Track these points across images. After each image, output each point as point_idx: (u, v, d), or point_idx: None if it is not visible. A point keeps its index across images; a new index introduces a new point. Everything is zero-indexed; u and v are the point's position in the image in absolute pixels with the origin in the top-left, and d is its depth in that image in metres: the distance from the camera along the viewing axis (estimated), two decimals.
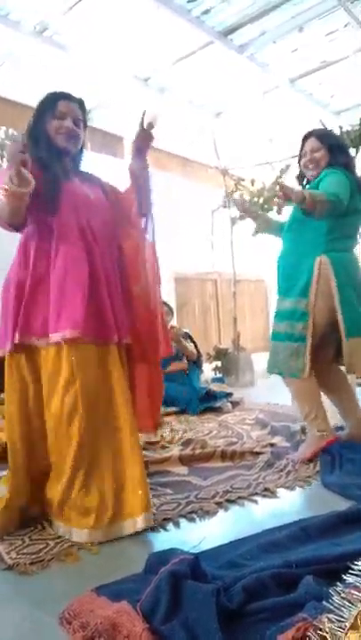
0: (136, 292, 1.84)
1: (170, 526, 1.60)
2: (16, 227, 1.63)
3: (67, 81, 4.61)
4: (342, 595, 0.75)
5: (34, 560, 1.38)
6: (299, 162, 2.38)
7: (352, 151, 4.79)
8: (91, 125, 1.84)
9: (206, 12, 4.36)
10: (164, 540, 1.50)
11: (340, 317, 2.14)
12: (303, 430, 2.54)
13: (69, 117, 1.74)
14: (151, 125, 1.81)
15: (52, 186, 1.64)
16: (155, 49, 4.77)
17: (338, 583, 0.85)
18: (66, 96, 1.76)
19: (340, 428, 2.50)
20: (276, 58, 5.12)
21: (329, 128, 4.91)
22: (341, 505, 1.67)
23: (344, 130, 4.78)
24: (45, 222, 1.65)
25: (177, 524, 1.61)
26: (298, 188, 2.11)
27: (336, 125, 4.96)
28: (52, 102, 1.75)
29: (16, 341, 1.59)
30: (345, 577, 0.86)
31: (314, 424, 2.23)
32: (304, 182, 2.38)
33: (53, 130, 1.73)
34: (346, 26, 4.69)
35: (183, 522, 1.63)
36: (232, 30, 4.65)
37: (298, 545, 1.37)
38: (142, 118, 1.82)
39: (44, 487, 1.66)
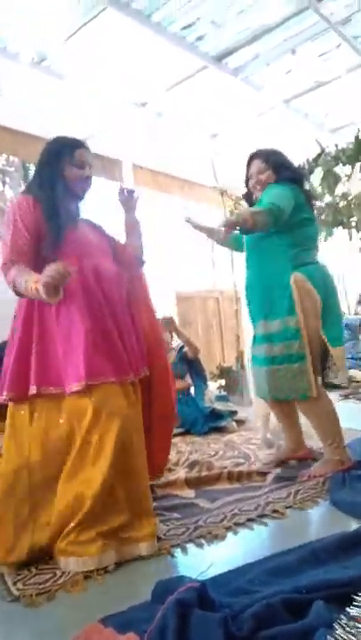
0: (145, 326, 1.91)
1: (177, 552, 1.57)
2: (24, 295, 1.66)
3: (66, 108, 4.70)
4: (347, 628, 0.73)
5: (40, 591, 1.36)
6: (246, 183, 2.41)
7: (348, 168, 4.86)
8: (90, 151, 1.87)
9: (200, 37, 4.47)
10: (171, 567, 1.48)
11: (324, 329, 2.14)
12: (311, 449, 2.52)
13: (87, 166, 1.80)
14: (127, 196, 1.97)
15: (58, 233, 1.68)
16: (151, 75, 4.88)
17: (342, 616, 0.83)
18: (82, 144, 1.82)
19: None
20: (271, 79, 5.22)
21: (325, 146, 5.00)
22: (351, 525, 1.64)
23: (340, 147, 4.85)
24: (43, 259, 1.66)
25: (185, 550, 1.58)
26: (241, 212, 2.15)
27: (332, 143, 5.04)
28: (71, 149, 1.79)
29: (33, 392, 1.60)
30: (348, 609, 0.84)
31: (336, 452, 2.18)
32: (254, 200, 2.41)
33: (72, 177, 1.78)
34: (338, 47, 4.78)
35: (191, 547, 1.60)
36: (226, 54, 4.75)
37: (307, 568, 1.35)
38: (121, 192, 1.98)
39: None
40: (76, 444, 1.59)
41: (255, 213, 2.02)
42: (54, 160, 1.78)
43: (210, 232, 2.52)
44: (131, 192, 1.99)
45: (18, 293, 1.64)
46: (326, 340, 2.14)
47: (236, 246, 2.56)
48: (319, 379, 2.19)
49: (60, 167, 1.77)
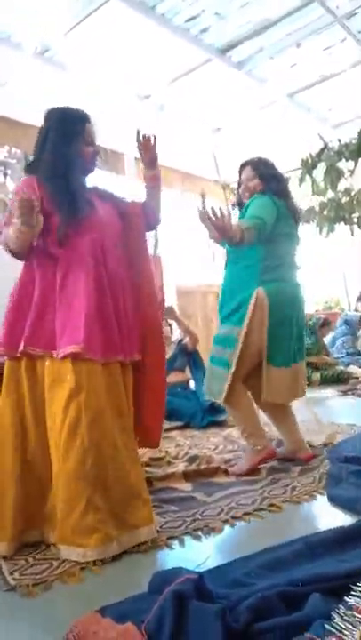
0: (149, 310, 1.88)
1: (175, 544, 1.58)
2: (23, 254, 1.68)
3: (68, 100, 4.68)
4: (344, 617, 0.74)
5: (37, 581, 1.36)
6: (238, 189, 2.50)
7: (350, 163, 4.85)
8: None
9: (204, 30, 4.44)
10: (168, 559, 1.49)
11: (265, 350, 2.24)
12: (310, 443, 2.53)
13: (94, 142, 1.78)
14: (146, 138, 1.91)
15: (76, 212, 1.66)
16: (154, 67, 4.85)
17: (340, 605, 0.84)
18: (89, 118, 1.78)
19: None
20: (275, 73, 5.18)
21: (328, 140, 4.98)
22: (348, 519, 1.66)
23: (343, 142, 4.83)
24: (58, 240, 1.66)
25: (182, 542, 1.59)
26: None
27: (335, 138, 5.02)
28: (82, 125, 1.75)
29: (20, 349, 1.60)
30: (347, 598, 0.85)
31: (250, 440, 2.31)
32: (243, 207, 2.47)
33: (87, 155, 1.75)
34: (343, 41, 4.75)
35: (188, 539, 1.61)
36: (230, 47, 4.72)
37: (304, 562, 1.36)
38: (137, 135, 1.91)
39: (41, 509, 1.60)
40: (55, 412, 1.57)
41: (245, 229, 2.09)
42: (68, 138, 1.71)
43: (212, 229, 2.56)
44: (148, 141, 1.91)
45: (10, 251, 1.66)
46: (265, 360, 2.24)
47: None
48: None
49: (74, 147, 1.72)
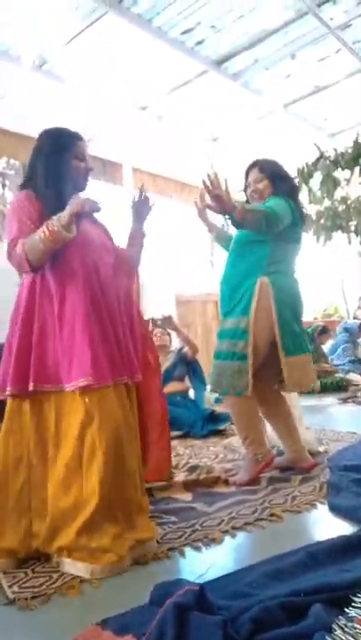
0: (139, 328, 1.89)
1: (175, 555, 1.56)
2: (38, 268, 1.64)
3: (66, 111, 4.72)
4: (345, 629, 0.73)
5: (35, 594, 1.35)
6: (245, 192, 2.47)
7: (347, 172, 4.88)
8: (90, 153, 1.86)
9: (200, 42, 4.49)
10: (169, 570, 1.47)
11: (278, 336, 2.19)
12: (310, 452, 2.52)
13: (86, 159, 1.80)
14: (143, 202, 1.99)
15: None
16: (151, 78, 4.90)
17: (340, 617, 0.83)
18: (81, 137, 1.80)
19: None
20: (270, 84, 5.24)
21: (324, 150, 5.02)
22: (349, 528, 1.64)
23: (339, 152, 4.87)
24: (53, 264, 1.65)
25: (182, 553, 1.58)
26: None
27: (331, 148, 5.07)
28: (72, 142, 1.77)
29: (30, 389, 1.57)
30: (347, 610, 0.84)
31: (251, 448, 2.27)
32: None
33: (76, 171, 1.76)
34: (337, 52, 4.81)
35: (188, 551, 1.60)
36: (226, 59, 4.77)
37: (306, 572, 1.34)
38: (139, 192, 2.00)
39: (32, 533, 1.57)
40: (66, 444, 1.57)
41: (249, 211, 2.07)
42: (59, 152, 1.73)
43: (210, 226, 2.63)
44: (147, 199, 1.99)
45: (30, 264, 1.61)
46: (280, 349, 2.21)
47: (227, 247, 2.61)
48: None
49: (65, 160, 1.74)
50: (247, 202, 2.48)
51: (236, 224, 2.10)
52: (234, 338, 2.22)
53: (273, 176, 2.35)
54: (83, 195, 1.61)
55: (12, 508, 1.55)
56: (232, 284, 2.32)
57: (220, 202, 1.99)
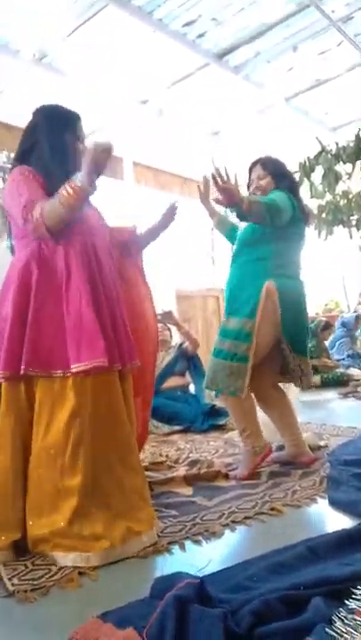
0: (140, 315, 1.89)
1: (175, 549, 1.57)
2: (58, 232, 1.59)
3: (67, 105, 4.69)
4: (345, 621, 0.73)
5: (35, 586, 1.35)
6: (248, 189, 2.49)
7: (348, 166, 4.86)
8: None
9: (201, 35, 4.46)
10: (169, 564, 1.48)
11: (284, 338, 2.25)
12: (311, 447, 2.52)
13: (84, 140, 1.77)
14: (172, 211, 2.13)
15: None
16: (152, 72, 4.86)
17: (340, 609, 0.83)
18: (80, 117, 1.77)
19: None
20: (272, 77, 5.21)
21: (325, 144, 5.00)
22: (349, 522, 1.65)
23: (340, 145, 4.85)
24: (51, 244, 1.62)
25: (182, 547, 1.58)
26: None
27: (332, 141, 5.04)
28: (75, 122, 1.75)
29: (22, 372, 1.53)
30: (347, 602, 0.84)
31: (249, 440, 2.30)
32: None
33: (76, 150, 1.72)
34: (339, 45, 4.78)
35: (189, 544, 1.60)
36: (227, 52, 4.74)
37: (306, 565, 1.35)
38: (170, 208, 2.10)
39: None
40: (50, 428, 1.54)
41: (253, 202, 2.10)
42: (62, 131, 1.70)
43: (212, 212, 2.64)
44: (175, 209, 2.11)
45: (47, 229, 1.56)
46: (292, 350, 2.28)
47: (228, 235, 2.67)
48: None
49: (68, 139, 1.71)
50: None
51: (242, 215, 2.14)
52: (237, 339, 2.23)
53: (275, 173, 2.39)
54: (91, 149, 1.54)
55: (14, 497, 1.55)
56: (237, 284, 2.34)
57: (229, 194, 2.03)
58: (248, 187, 2.49)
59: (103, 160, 1.55)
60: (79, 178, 1.54)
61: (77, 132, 1.75)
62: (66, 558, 1.48)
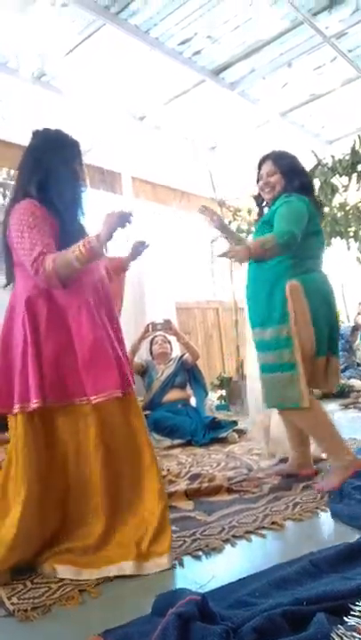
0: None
1: (175, 565, 1.55)
2: (67, 284, 1.59)
3: (65, 122, 4.75)
4: (344, 638, 0.72)
5: (35, 605, 1.34)
6: (257, 183, 2.39)
7: (344, 179, 4.90)
8: (89, 163, 1.86)
9: (197, 52, 4.53)
10: (168, 580, 1.46)
11: (314, 338, 2.12)
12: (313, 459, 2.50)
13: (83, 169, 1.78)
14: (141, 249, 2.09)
15: (77, 238, 1.60)
16: (149, 89, 4.93)
17: (339, 626, 0.82)
18: (79, 144, 1.78)
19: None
20: (267, 93, 5.27)
21: (321, 157, 5.04)
22: (351, 536, 1.63)
23: (336, 159, 4.90)
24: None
25: (182, 563, 1.56)
26: (239, 246, 2.16)
27: (328, 155, 5.09)
28: (78, 151, 1.75)
29: (38, 405, 1.52)
30: (347, 619, 0.83)
31: (338, 457, 2.15)
32: (263, 204, 2.45)
33: (81, 178, 1.73)
34: (333, 60, 4.85)
35: (189, 560, 1.58)
36: (223, 69, 4.81)
37: (309, 580, 1.34)
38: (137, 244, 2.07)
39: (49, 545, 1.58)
40: (79, 456, 1.60)
41: (268, 249, 2.04)
42: (69, 162, 1.69)
43: (230, 234, 2.62)
44: (143, 243, 2.07)
45: (60, 281, 1.55)
46: (314, 352, 2.14)
47: None
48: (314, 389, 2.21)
49: (75, 171, 1.71)
50: (258, 196, 2.43)
51: (259, 259, 2.12)
52: (278, 348, 2.13)
53: (286, 170, 2.27)
54: (115, 210, 1.58)
55: (34, 529, 1.54)
56: (260, 290, 2.24)
57: (240, 258, 2.07)
58: (257, 181, 2.38)
59: (121, 225, 1.58)
60: (96, 239, 1.55)
61: (80, 160, 1.75)
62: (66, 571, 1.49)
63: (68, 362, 1.59)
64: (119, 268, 2.09)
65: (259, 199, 2.45)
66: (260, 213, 2.51)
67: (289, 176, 2.26)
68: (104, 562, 1.50)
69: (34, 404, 1.52)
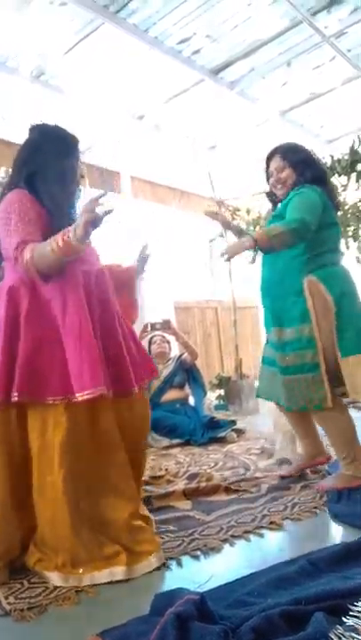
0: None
1: (173, 565, 1.55)
2: (46, 276, 1.56)
3: (64, 121, 4.74)
4: (342, 638, 0.72)
5: (32, 605, 1.33)
6: (267, 180, 2.29)
7: (343, 179, 4.90)
8: (88, 162, 1.84)
9: (196, 52, 4.53)
10: (166, 580, 1.46)
11: (335, 334, 1.99)
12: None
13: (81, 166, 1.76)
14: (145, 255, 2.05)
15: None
16: (148, 88, 4.93)
17: (338, 626, 0.82)
18: (79, 141, 1.76)
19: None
20: (266, 92, 5.28)
21: (321, 157, 5.04)
22: (350, 535, 1.63)
23: (335, 158, 4.90)
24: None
25: (180, 563, 1.56)
26: (242, 238, 2.02)
27: (327, 154, 5.09)
28: (77, 148, 1.73)
29: (15, 399, 1.48)
30: (345, 619, 0.83)
31: (350, 467, 2.04)
32: (276, 200, 2.32)
33: (77, 176, 1.70)
34: (332, 59, 4.85)
35: (187, 560, 1.58)
36: (222, 68, 4.81)
37: (307, 580, 1.33)
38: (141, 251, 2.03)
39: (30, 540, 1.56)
40: (49, 461, 1.51)
41: (274, 236, 1.91)
42: (66, 157, 1.67)
43: (238, 231, 2.43)
44: (148, 257, 2.04)
45: (38, 272, 1.52)
46: (338, 348, 1.99)
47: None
48: (337, 389, 2.07)
49: (72, 166, 1.68)
50: (271, 193, 2.31)
51: (267, 251, 2.00)
52: (300, 349, 2.02)
53: (296, 163, 2.16)
54: (91, 200, 1.49)
55: (10, 521, 1.53)
56: (276, 288, 2.14)
57: (243, 250, 1.97)
58: (267, 178, 2.28)
59: (97, 218, 1.47)
60: (73, 231, 1.46)
61: (78, 157, 1.74)
62: (67, 580, 1.46)
63: (46, 356, 1.52)
64: (127, 279, 2.01)
65: (272, 196, 2.33)
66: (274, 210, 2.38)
67: (300, 169, 2.15)
68: (90, 568, 1.47)
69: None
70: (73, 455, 1.51)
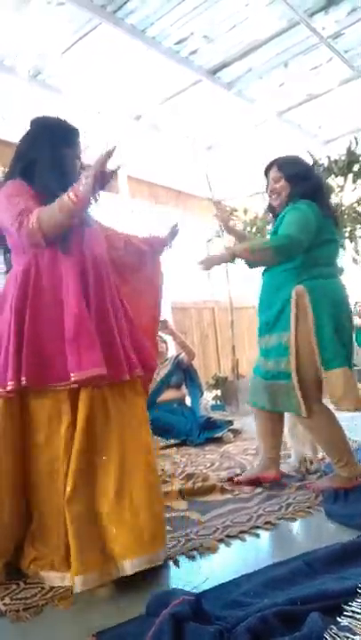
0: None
1: (169, 565, 1.55)
2: (53, 239, 1.55)
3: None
4: (337, 639, 0.72)
5: (27, 606, 1.33)
6: (266, 189, 2.33)
7: (340, 179, 4.92)
8: (85, 162, 1.83)
9: (193, 52, 4.52)
10: (162, 580, 1.46)
11: (316, 348, 2.01)
12: (306, 460, 2.50)
13: (80, 156, 1.75)
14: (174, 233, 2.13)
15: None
16: (145, 88, 4.92)
17: (332, 626, 0.82)
18: (80, 133, 1.75)
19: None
20: (264, 93, 5.28)
21: (318, 157, 5.05)
22: (345, 535, 1.63)
23: (332, 159, 4.91)
24: (47, 254, 1.57)
25: (176, 563, 1.56)
26: (223, 251, 2.13)
27: (325, 155, 5.10)
28: (75, 138, 1.73)
29: (24, 384, 1.46)
30: (340, 619, 0.83)
31: (344, 470, 2.07)
32: (275, 212, 2.33)
33: (75, 167, 1.70)
34: (329, 60, 4.86)
35: (183, 560, 1.58)
36: (219, 68, 4.81)
37: (303, 580, 1.34)
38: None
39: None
40: (48, 444, 1.50)
41: (257, 250, 1.97)
42: (65, 147, 1.67)
43: (241, 237, 2.51)
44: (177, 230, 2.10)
45: (43, 236, 1.51)
46: (319, 363, 2.02)
47: None
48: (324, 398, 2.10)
49: (71, 157, 1.68)
50: (271, 206, 2.34)
51: (251, 264, 2.08)
52: (278, 356, 2.09)
53: (291, 177, 2.19)
54: (102, 155, 1.49)
55: (9, 521, 1.52)
56: (267, 299, 2.19)
57: (219, 262, 2.07)
58: (266, 189, 2.32)
59: (105, 167, 1.49)
60: (83, 184, 1.48)
61: (77, 148, 1.73)
62: (62, 580, 1.45)
63: (54, 344, 1.51)
64: (159, 245, 2.09)
65: (272, 209, 2.36)
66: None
67: (294, 182, 2.18)
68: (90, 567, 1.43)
69: (9, 386, 1.47)
70: (82, 442, 1.48)
